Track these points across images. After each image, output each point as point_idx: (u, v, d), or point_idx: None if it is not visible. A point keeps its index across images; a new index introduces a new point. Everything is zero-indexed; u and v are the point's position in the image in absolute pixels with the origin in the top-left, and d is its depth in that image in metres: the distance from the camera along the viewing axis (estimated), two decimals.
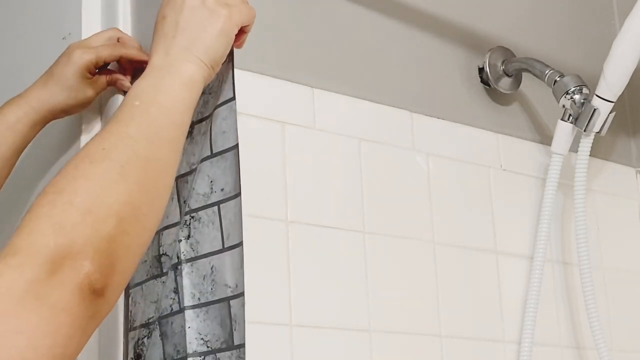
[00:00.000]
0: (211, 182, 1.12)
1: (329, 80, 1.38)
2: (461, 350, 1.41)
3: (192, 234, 1.12)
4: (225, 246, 1.13)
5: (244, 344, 1.08)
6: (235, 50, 1.20)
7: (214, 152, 1.13)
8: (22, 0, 1.48)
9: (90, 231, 0.83)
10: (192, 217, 1.12)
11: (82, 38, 1.34)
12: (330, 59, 1.39)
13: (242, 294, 1.10)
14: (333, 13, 1.41)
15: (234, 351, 1.11)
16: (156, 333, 1.18)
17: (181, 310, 1.14)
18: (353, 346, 1.30)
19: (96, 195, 0.86)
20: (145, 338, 1.15)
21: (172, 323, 1.16)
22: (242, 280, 1.10)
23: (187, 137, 1.05)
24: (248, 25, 1.08)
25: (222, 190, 1.11)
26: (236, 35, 1.07)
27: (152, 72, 1.01)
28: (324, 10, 1.40)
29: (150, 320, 1.15)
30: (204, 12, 1.04)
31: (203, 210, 1.11)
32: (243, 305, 1.09)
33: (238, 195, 1.09)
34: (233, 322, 1.10)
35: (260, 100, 1.30)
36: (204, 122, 1.15)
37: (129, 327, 1.17)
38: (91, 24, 1.35)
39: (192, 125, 1.13)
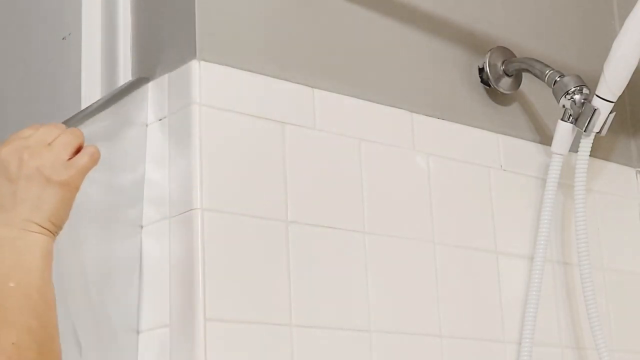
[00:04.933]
0: None
1: (329, 80, 1.37)
2: (461, 350, 1.41)
3: None
4: None
5: None
6: (235, 50, 1.20)
7: None
8: (22, 0, 1.48)
9: None
10: None
11: (82, 38, 1.35)
12: (330, 59, 1.39)
13: None
14: (333, 13, 1.41)
15: None
16: None
17: None
18: (353, 346, 1.30)
19: None
20: None
21: None
22: None
23: None
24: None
25: None
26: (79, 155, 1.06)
27: (3, 246, 1.00)
28: (324, 10, 1.40)
29: None
30: (41, 182, 1.02)
31: None
32: None
33: None
34: None
35: (260, 100, 1.30)
36: None
37: None
38: (91, 24, 1.35)
39: None
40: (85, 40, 1.34)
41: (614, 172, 1.70)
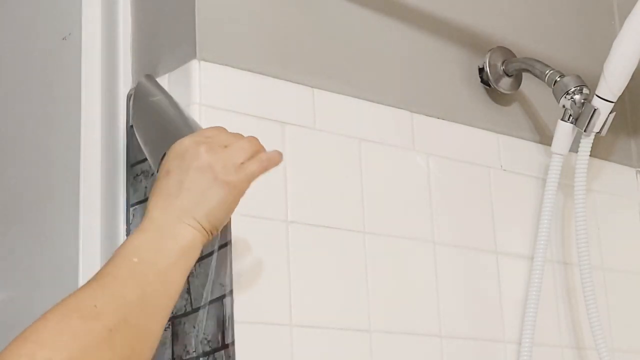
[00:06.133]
0: None
1: (329, 80, 1.37)
2: (461, 350, 1.41)
3: None
4: (216, 246, 1.14)
5: (234, 341, 1.09)
6: (235, 50, 1.20)
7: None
8: (22, 0, 1.48)
9: None
10: None
11: (82, 38, 1.34)
12: (330, 59, 1.39)
13: (231, 292, 1.10)
14: (333, 13, 1.41)
15: (226, 350, 1.11)
16: (167, 333, 1.18)
17: (193, 310, 1.14)
18: (353, 346, 1.30)
19: (78, 358, 0.85)
20: None
21: (184, 323, 1.17)
22: (231, 278, 1.10)
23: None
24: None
25: None
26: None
27: (151, 228, 1.00)
28: (324, 10, 1.40)
29: None
30: (210, 178, 1.03)
31: None
32: (232, 303, 1.09)
33: None
34: (226, 321, 1.10)
35: (260, 100, 1.30)
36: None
37: None
38: (91, 24, 1.35)
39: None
40: (85, 40, 1.34)
41: (614, 172, 1.70)
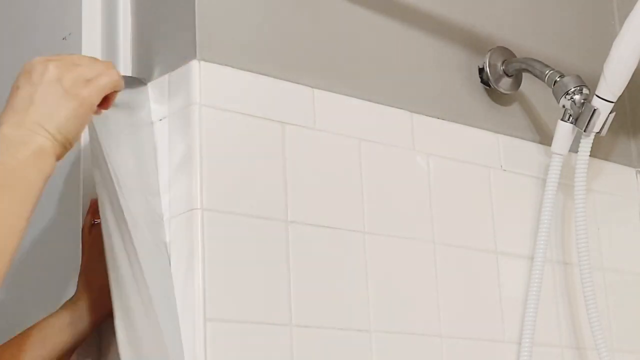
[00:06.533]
0: None
1: (329, 80, 1.37)
2: (461, 350, 1.41)
3: None
4: None
5: None
6: (235, 50, 1.20)
7: None
8: (22, 0, 1.48)
9: None
10: None
11: (82, 38, 1.34)
12: (330, 59, 1.39)
13: None
14: (333, 13, 1.41)
15: None
16: None
17: None
18: (353, 346, 1.30)
19: None
20: None
21: None
22: None
23: None
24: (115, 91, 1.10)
25: None
26: (103, 99, 1.09)
27: (2, 142, 1.01)
28: (324, 10, 1.40)
29: None
30: (59, 91, 1.04)
31: None
32: None
33: None
34: None
35: (260, 100, 1.30)
36: None
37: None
38: (91, 24, 1.35)
39: None
40: (85, 40, 1.34)
41: (614, 172, 1.70)
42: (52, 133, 1.03)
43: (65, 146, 1.05)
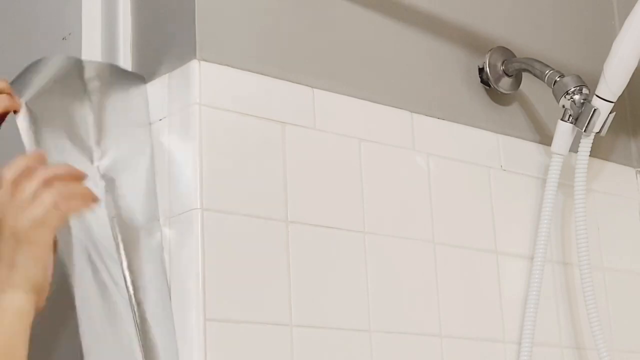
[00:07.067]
0: None
1: (329, 80, 1.37)
2: (461, 350, 1.41)
3: None
4: None
5: None
6: (235, 50, 1.20)
7: None
8: (22, 0, 1.48)
9: None
10: None
11: (82, 38, 1.35)
12: (330, 59, 1.39)
13: None
14: (333, 13, 1.41)
15: None
16: None
17: None
18: (353, 346, 1.30)
19: None
20: None
21: None
22: None
23: None
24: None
25: None
26: None
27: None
28: (324, 10, 1.40)
29: None
30: (12, 241, 1.00)
31: None
32: None
33: None
34: None
35: (260, 100, 1.30)
36: None
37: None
38: (91, 24, 1.35)
39: None
40: (85, 40, 1.34)
41: (614, 172, 1.70)
42: (20, 286, 1.00)
43: (40, 291, 1.02)
